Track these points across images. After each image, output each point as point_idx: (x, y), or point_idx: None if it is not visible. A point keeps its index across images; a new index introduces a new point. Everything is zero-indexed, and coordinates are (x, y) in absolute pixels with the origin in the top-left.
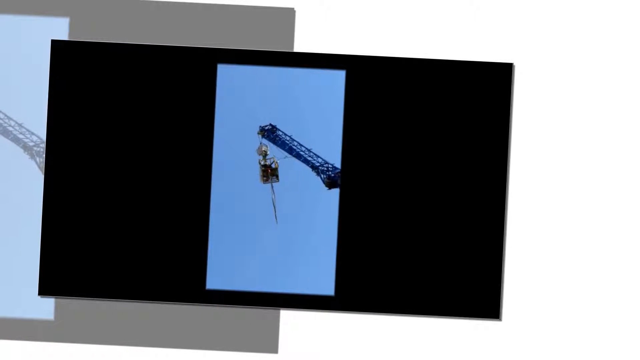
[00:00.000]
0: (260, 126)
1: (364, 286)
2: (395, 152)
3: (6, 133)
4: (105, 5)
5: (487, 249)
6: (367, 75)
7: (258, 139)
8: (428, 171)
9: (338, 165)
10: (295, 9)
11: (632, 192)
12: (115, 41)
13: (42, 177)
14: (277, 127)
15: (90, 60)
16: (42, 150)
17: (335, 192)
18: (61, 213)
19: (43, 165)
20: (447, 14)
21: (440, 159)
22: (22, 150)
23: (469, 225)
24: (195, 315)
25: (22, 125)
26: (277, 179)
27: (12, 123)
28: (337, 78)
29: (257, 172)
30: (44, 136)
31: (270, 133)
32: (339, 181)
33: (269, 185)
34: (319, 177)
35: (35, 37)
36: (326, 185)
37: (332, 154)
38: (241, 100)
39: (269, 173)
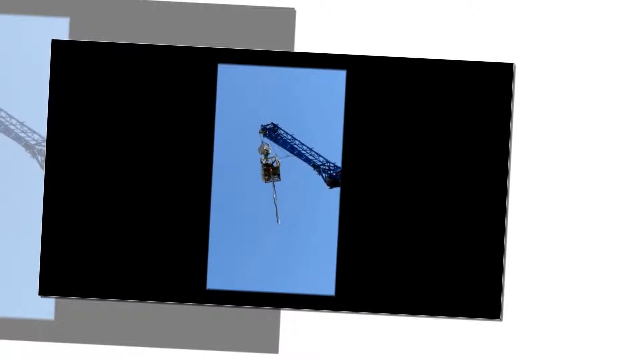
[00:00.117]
0: (261, 125)
1: (364, 286)
2: (396, 152)
3: (8, 131)
4: (106, 5)
5: (488, 249)
6: (367, 75)
7: (259, 139)
8: (429, 171)
9: (339, 164)
10: (295, 9)
11: (632, 192)
12: (115, 41)
13: (44, 175)
14: (279, 126)
15: (90, 60)
16: (43, 148)
17: (336, 191)
18: (62, 212)
19: (44, 163)
20: (447, 14)
21: (441, 159)
22: (23, 149)
23: (469, 225)
24: (195, 315)
25: (24, 123)
26: (279, 178)
27: (14, 122)
28: (338, 78)
29: (257, 171)
30: (45, 135)
31: (271, 132)
32: (340, 180)
33: (270, 184)
34: (320, 176)
35: (36, 36)
36: (328, 185)
37: (334, 153)
38: (242, 100)
39: (271, 172)
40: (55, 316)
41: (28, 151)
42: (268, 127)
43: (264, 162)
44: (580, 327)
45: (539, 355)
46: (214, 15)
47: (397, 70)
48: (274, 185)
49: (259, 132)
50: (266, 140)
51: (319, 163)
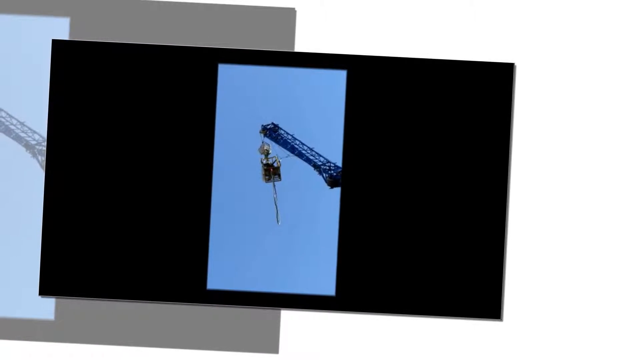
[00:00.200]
0: (262, 125)
1: (365, 286)
2: (397, 152)
3: (8, 131)
4: (106, 5)
5: (488, 250)
6: (368, 75)
7: (260, 138)
8: (429, 171)
9: (340, 164)
10: (296, 9)
11: (633, 192)
12: (116, 41)
13: (44, 175)
14: (279, 126)
15: (91, 60)
16: (43, 148)
17: (337, 191)
18: (62, 212)
19: (45, 163)
20: (448, 13)
21: (441, 159)
22: (24, 149)
23: (470, 225)
24: (196, 316)
25: (24, 123)
26: (279, 177)
27: (14, 121)
28: (339, 78)
29: (258, 171)
30: (45, 135)
31: (272, 132)
32: (340, 180)
33: (270, 184)
34: (320, 176)
35: (36, 36)
36: (328, 184)
37: (334, 153)
38: (242, 100)
39: (271, 172)
40: (56, 316)
41: (28, 151)
42: (268, 127)
43: (264, 162)
44: (581, 327)
45: (539, 355)
46: (215, 15)
47: (397, 70)
48: (274, 186)
49: (260, 132)
50: (267, 140)
51: (320, 163)
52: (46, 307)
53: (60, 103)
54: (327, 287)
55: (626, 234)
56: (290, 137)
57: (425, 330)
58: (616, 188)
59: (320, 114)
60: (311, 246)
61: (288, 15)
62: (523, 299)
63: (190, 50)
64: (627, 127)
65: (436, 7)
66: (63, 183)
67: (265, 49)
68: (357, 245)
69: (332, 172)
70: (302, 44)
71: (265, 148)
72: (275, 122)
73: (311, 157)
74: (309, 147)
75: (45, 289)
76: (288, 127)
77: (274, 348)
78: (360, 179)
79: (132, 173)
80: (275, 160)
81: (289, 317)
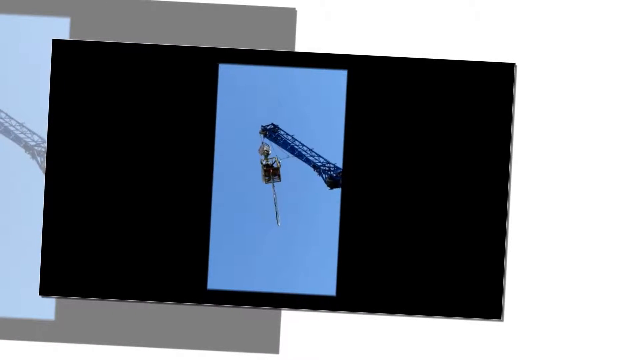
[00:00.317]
0: (262, 126)
1: (365, 286)
2: (397, 152)
3: (7, 132)
4: (106, 5)
5: (489, 250)
6: (369, 75)
7: (260, 139)
8: (430, 171)
9: (340, 165)
10: (296, 9)
11: (633, 192)
12: (116, 41)
13: (43, 176)
14: (279, 126)
15: (91, 60)
16: (43, 150)
17: (337, 192)
18: (62, 213)
19: (44, 165)
20: (449, 13)
21: (442, 159)
22: (23, 150)
23: (470, 225)
24: (196, 316)
25: (24, 124)
26: (279, 178)
27: (14, 122)
28: (339, 78)
29: (258, 172)
30: (45, 136)
31: (272, 133)
32: (340, 181)
33: (270, 185)
34: (320, 177)
35: (37, 36)
36: (328, 185)
37: (334, 154)
38: (242, 100)
39: (271, 173)
40: (56, 316)
41: (28, 152)
42: (268, 127)
43: (264, 163)
44: (581, 327)
45: (540, 355)
46: (215, 15)
47: (398, 70)
48: (273, 186)
49: (260, 133)
50: (266, 140)
51: (320, 164)
52: (46, 307)
53: (61, 103)
54: (328, 287)
55: (627, 234)
56: (290, 137)
57: (425, 330)
58: (617, 188)
59: (320, 114)
60: (311, 246)
61: (288, 15)
62: (524, 299)
63: (191, 50)
64: (628, 128)
65: (437, 7)
66: (63, 182)
67: (265, 49)
68: (357, 245)
69: (331, 172)
70: (303, 44)
71: (265, 149)
72: (275, 123)
73: (311, 158)
74: (308, 148)
75: (46, 289)
76: (288, 127)
77: (274, 348)
78: (360, 179)
79: (132, 173)
80: (275, 161)
81: (289, 317)
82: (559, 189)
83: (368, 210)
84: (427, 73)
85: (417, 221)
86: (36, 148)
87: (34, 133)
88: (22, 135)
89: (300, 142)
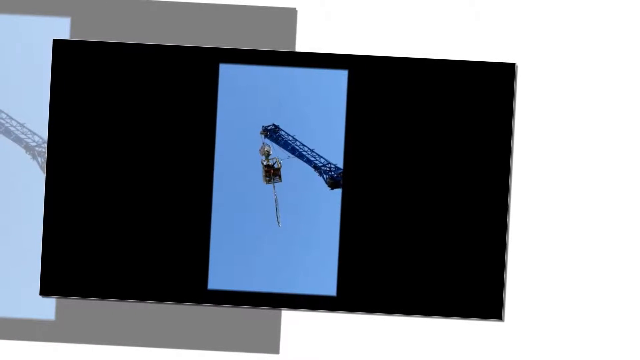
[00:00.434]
0: (262, 126)
1: (366, 286)
2: (398, 152)
3: (8, 133)
4: (107, 4)
5: (490, 250)
6: (369, 75)
7: (260, 139)
8: (430, 171)
9: (341, 165)
10: (297, 8)
11: (634, 192)
12: (117, 41)
13: (44, 177)
14: (280, 127)
15: (91, 60)
16: (44, 150)
17: (338, 192)
18: (63, 213)
19: (45, 165)
20: (449, 13)
21: (442, 159)
22: (24, 151)
23: (471, 225)
24: (196, 316)
25: (24, 125)
26: (280, 179)
27: (14, 123)
28: (340, 78)
29: (259, 172)
30: (45, 136)
31: (272, 133)
32: (341, 181)
33: (271, 185)
34: (321, 178)
35: (37, 36)
36: (329, 186)
37: (335, 154)
38: (243, 100)
39: (272, 173)
40: (56, 316)
41: (28, 153)
42: (269, 128)
43: (265, 163)
44: (582, 327)
45: (540, 356)
46: (216, 15)
47: (399, 70)
48: (274, 187)
49: (260, 133)
50: (267, 141)
51: (320, 164)
52: (47, 307)
53: (61, 103)
54: (328, 287)
55: (627, 234)
56: (291, 138)
57: (426, 330)
58: (617, 188)
59: (321, 114)
60: (312, 246)
61: (289, 15)
62: (524, 299)
63: (191, 50)
64: (629, 128)
65: (438, 6)
66: (64, 183)
67: (266, 49)
68: (358, 245)
69: (332, 173)
70: (303, 44)
71: (266, 149)
72: (276, 123)
73: (312, 159)
74: (309, 149)
75: (46, 289)
76: (289, 127)
77: (274, 348)
78: (361, 179)
79: (132, 173)
80: (276, 161)
81: (289, 318)
82: (560, 189)
83: (368, 211)
84: (428, 73)
85: (418, 221)
86: (37, 149)
87: (34, 134)
88: (22, 136)
89: (301, 143)
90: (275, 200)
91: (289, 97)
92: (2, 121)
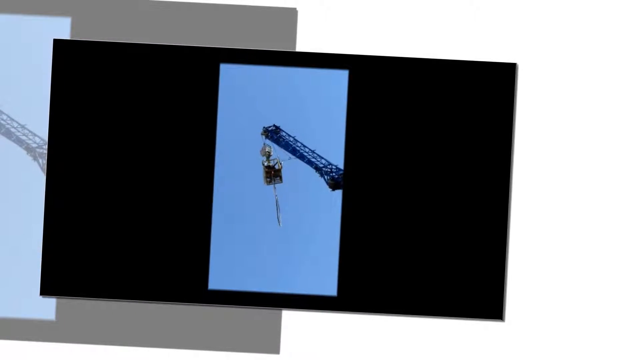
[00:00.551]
0: (263, 127)
1: (366, 287)
2: (398, 153)
3: (9, 134)
4: (108, 4)
5: (490, 250)
6: (370, 75)
7: (261, 140)
8: (431, 172)
9: (341, 166)
10: (297, 8)
11: (635, 192)
12: (117, 40)
13: (44, 178)
14: (281, 128)
15: (92, 60)
16: (44, 151)
17: (338, 193)
18: (63, 213)
19: (45, 167)
20: (450, 13)
21: (443, 159)
22: (25, 152)
23: (472, 226)
24: (197, 316)
25: (25, 126)
26: (281, 180)
27: (15, 124)
28: (340, 78)
29: (260, 172)
30: (46, 138)
31: (273, 134)
32: (342, 182)
33: (271, 186)
34: (322, 179)
35: (38, 36)
36: (330, 187)
37: (336, 155)
38: (243, 100)
39: (272, 174)
40: (57, 316)
41: (29, 154)
42: (270, 129)
43: (265, 164)
44: (582, 327)
45: (541, 356)
46: (216, 14)
47: (399, 70)
48: (274, 188)
49: (261, 134)
50: (268, 142)
51: (321, 165)
52: (47, 307)
53: (62, 104)
54: (329, 287)
55: (628, 234)
56: (291, 139)
57: (427, 330)
58: (618, 188)
59: (321, 114)
60: (312, 247)
61: (289, 15)
62: (525, 299)
63: (192, 49)
64: (630, 128)
65: (438, 6)
66: (64, 183)
67: (266, 49)
68: (358, 246)
69: (333, 174)
70: (304, 44)
71: (266, 150)
72: (277, 124)
73: (313, 160)
74: (310, 150)
75: (46, 289)
76: (289, 127)
77: (275, 348)
78: (362, 180)
79: (133, 173)
80: (277, 162)
81: (290, 318)
82: (560, 189)
83: (369, 211)
84: (429, 73)
85: (418, 221)
86: (38, 150)
87: (35, 135)
88: (23, 137)
89: (302, 144)
90: (276, 200)
91: (289, 97)
92: (3, 122)
